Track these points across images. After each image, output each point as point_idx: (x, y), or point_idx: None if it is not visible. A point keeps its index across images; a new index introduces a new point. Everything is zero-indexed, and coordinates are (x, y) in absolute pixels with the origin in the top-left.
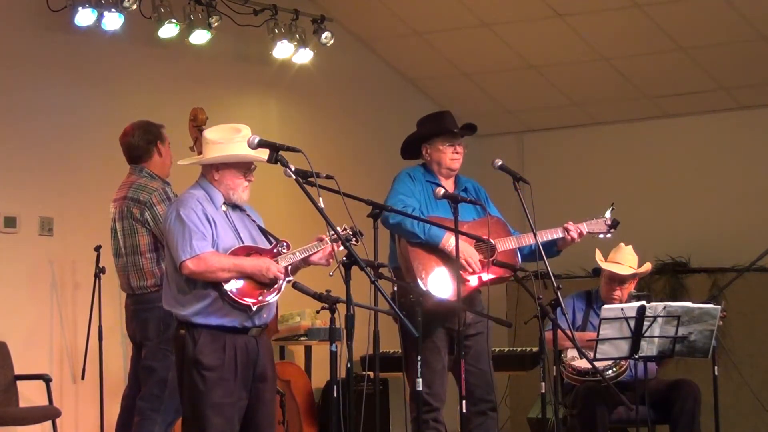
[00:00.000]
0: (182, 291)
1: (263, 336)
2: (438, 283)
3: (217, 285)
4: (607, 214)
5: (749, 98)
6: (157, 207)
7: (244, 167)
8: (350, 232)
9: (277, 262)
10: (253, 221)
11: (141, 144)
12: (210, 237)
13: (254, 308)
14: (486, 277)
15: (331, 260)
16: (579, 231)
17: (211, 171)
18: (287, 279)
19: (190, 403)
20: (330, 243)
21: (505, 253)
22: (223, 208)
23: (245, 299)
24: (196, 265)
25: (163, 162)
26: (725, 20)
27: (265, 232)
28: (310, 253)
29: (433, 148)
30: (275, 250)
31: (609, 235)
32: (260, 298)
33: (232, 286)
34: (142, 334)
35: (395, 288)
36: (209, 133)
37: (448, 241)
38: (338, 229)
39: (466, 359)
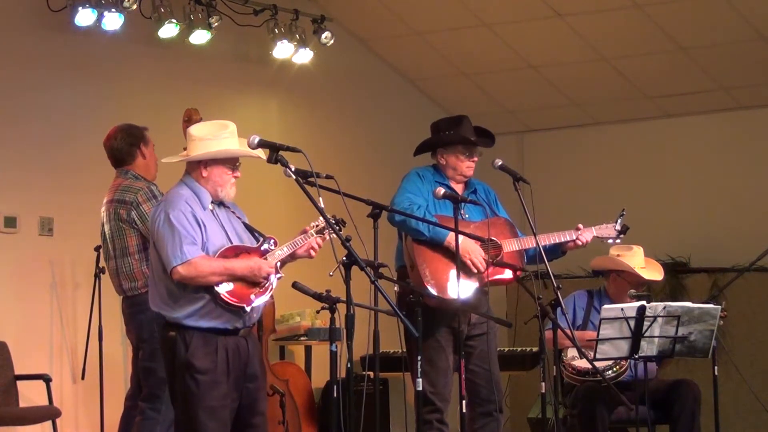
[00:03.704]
0: (172, 294)
1: (251, 336)
2: (441, 282)
3: (209, 288)
4: (618, 220)
5: (749, 98)
6: (144, 206)
7: (231, 163)
8: (332, 221)
9: (267, 260)
10: (238, 218)
11: (124, 147)
12: (200, 240)
13: (248, 309)
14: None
15: (314, 253)
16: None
17: (198, 168)
18: (278, 276)
19: (183, 406)
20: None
21: (510, 255)
22: (210, 207)
23: (239, 301)
24: (187, 270)
25: (147, 164)
26: (725, 20)
27: (251, 229)
28: (297, 247)
29: (449, 153)
30: (262, 248)
31: (618, 241)
32: (253, 298)
33: (225, 288)
34: (137, 335)
35: (396, 288)
36: (195, 130)
37: (454, 239)
38: (323, 221)
39: (473, 359)
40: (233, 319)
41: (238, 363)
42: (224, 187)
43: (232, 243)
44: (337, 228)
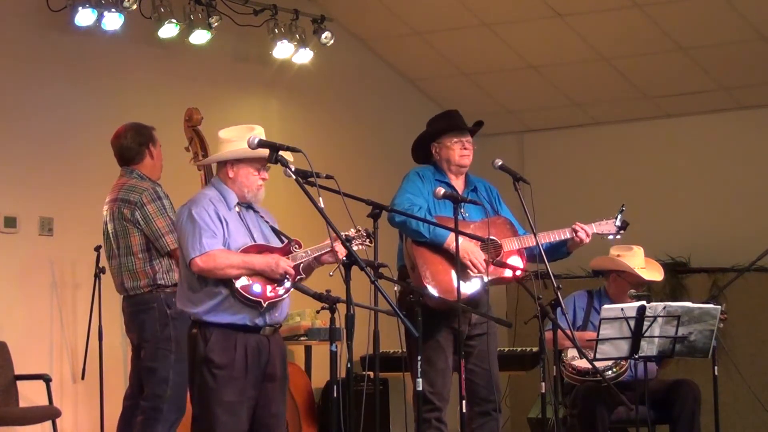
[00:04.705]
0: (194, 289)
1: (276, 336)
2: (441, 283)
3: (227, 282)
4: (618, 216)
5: (749, 98)
6: (148, 206)
7: (258, 164)
8: (363, 233)
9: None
10: (266, 222)
11: (133, 146)
12: (221, 235)
13: (264, 304)
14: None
15: (341, 257)
16: (586, 232)
17: (225, 169)
18: (298, 277)
19: (200, 401)
20: (342, 242)
21: (510, 254)
22: (237, 208)
23: (256, 296)
24: (205, 262)
25: (154, 164)
26: (725, 20)
27: (278, 233)
28: (322, 252)
29: (441, 145)
30: (287, 249)
31: (618, 236)
32: (270, 294)
33: (243, 282)
34: (139, 335)
35: (395, 288)
36: (223, 133)
37: (453, 240)
38: (352, 230)
39: (472, 359)
40: (252, 314)
41: (258, 361)
42: (251, 188)
43: (255, 242)
44: (367, 239)
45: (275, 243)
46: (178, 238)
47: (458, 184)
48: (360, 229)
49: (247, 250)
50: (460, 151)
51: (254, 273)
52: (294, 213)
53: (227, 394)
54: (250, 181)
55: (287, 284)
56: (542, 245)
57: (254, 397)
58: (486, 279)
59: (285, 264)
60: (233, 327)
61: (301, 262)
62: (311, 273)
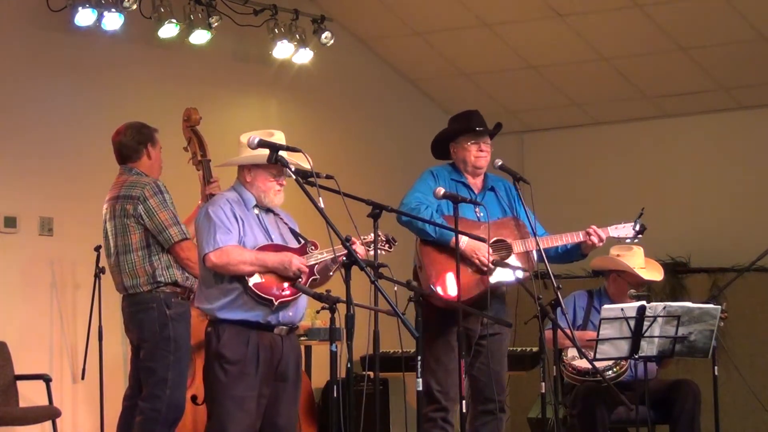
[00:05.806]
0: (209, 286)
1: (291, 337)
2: (447, 283)
3: (241, 279)
4: (637, 220)
5: (749, 98)
6: (150, 200)
7: (276, 169)
8: (383, 238)
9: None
10: (286, 224)
11: (131, 144)
12: (236, 233)
13: (276, 302)
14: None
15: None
16: (599, 236)
17: (243, 173)
18: (312, 278)
19: (212, 396)
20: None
21: (517, 255)
22: (255, 211)
23: (268, 293)
24: (218, 257)
25: (151, 165)
26: (725, 20)
27: (296, 235)
28: (338, 254)
29: (458, 146)
30: (303, 250)
31: (636, 240)
32: (283, 292)
33: (255, 280)
34: (139, 335)
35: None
36: (244, 137)
37: (460, 240)
38: (374, 234)
39: (481, 358)
40: (265, 312)
41: (270, 359)
42: (267, 193)
43: (272, 242)
44: (387, 245)
45: (293, 245)
46: (196, 237)
47: (475, 183)
48: (380, 233)
49: (262, 249)
50: (476, 152)
51: (267, 270)
52: (294, 213)
53: (237, 389)
54: (266, 186)
55: (298, 293)
56: (557, 248)
57: (266, 395)
58: (482, 286)
59: (298, 262)
60: (246, 324)
61: (316, 263)
62: (328, 274)
